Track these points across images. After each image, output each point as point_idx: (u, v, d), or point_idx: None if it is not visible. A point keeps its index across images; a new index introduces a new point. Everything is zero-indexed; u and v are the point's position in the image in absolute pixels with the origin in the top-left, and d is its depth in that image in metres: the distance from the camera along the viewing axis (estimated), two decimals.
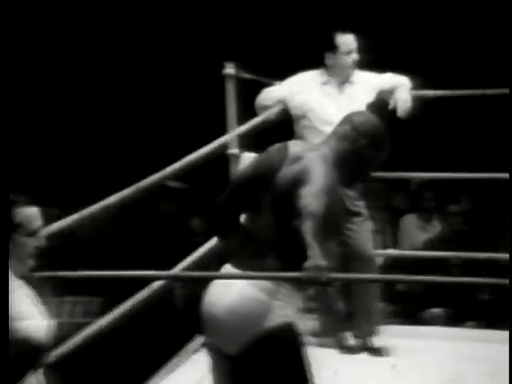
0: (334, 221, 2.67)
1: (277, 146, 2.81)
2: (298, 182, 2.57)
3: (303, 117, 4.25)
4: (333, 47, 4.19)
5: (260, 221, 2.69)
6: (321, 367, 3.79)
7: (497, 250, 5.73)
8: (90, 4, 7.37)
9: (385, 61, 4.38)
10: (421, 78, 4.39)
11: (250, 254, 2.67)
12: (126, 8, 7.27)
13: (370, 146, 2.72)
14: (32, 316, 2.42)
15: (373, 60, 4.30)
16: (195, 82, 6.69)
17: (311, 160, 2.64)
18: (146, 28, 7.21)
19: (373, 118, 2.80)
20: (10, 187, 2.46)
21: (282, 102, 4.30)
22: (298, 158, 2.68)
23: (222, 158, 4.27)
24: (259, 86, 4.38)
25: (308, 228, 2.42)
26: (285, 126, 4.32)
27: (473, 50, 7.12)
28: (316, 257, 2.37)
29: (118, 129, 7.31)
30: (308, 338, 4.15)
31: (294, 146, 2.77)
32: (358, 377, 3.91)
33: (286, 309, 2.61)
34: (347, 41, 4.19)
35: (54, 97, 7.46)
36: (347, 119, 2.79)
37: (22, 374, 2.47)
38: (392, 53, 6.56)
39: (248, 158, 4.31)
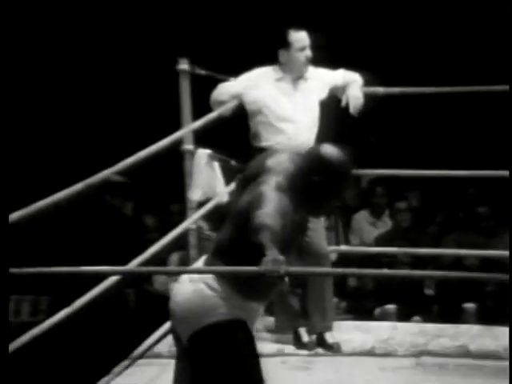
0: (292, 242, 2.67)
1: (265, 154, 2.87)
2: (253, 205, 2.59)
3: (258, 112, 4.19)
4: (286, 44, 4.13)
5: (225, 226, 2.77)
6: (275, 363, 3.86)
7: (441, 246, 5.80)
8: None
9: (338, 57, 4.35)
10: (373, 75, 4.36)
11: (210, 254, 2.78)
12: (81, 3, 7.16)
13: (326, 184, 2.66)
14: None
15: (326, 56, 4.26)
16: (149, 77, 6.60)
17: (267, 188, 2.63)
18: (100, 23, 7.10)
19: (341, 156, 2.71)
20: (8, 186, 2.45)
21: (237, 97, 4.23)
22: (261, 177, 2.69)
23: (176, 154, 4.19)
24: (213, 82, 4.30)
25: (265, 236, 2.47)
26: (239, 121, 4.25)
27: (423, 43, 7.15)
28: (274, 252, 2.42)
29: (72, 124, 7.19)
30: (264, 335, 4.18)
31: (271, 159, 2.77)
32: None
33: (230, 307, 2.67)
34: (300, 37, 4.14)
35: None
36: (316, 153, 2.73)
37: None
38: (345, 49, 6.55)
39: (202, 154, 4.26)
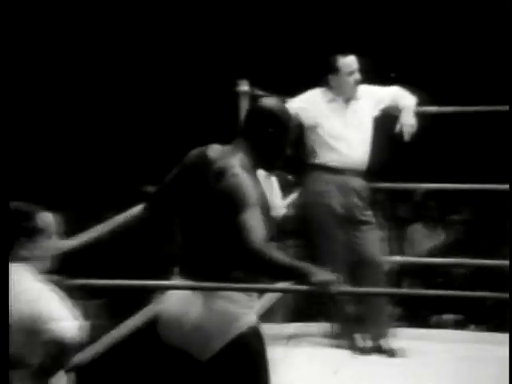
0: (267, 214, 2.67)
1: (195, 150, 2.77)
2: (228, 201, 2.57)
3: (312, 131, 4.27)
4: (334, 69, 4.21)
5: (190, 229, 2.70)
6: (331, 367, 3.87)
7: (497, 258, 5.73)
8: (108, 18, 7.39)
9: (388, 80, 4.38)
10: (423, 94, 4.38)
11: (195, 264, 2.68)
12: (142, 23, 7.29)
13: (278, 133, 2.70)
14: (63, 317, 2.41)
15: (376, 79, 4.30)
16: (209, 98, 6.70)
17: (237, 176, 2.60)
18: (162, 44, 7.22)
19: (276, 105, 2.74)
20: (8, 191, 2.50)
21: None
22: (220, 169, 2.64)
23: None
24: None
25: (279, 255, 2.47)
26: (295, 139, 4.31)
27: (472, 66, 7.13)
28: (320, 272, 2.44)
29: (128, 141, 7.31)
30: (320, 340, 4.21)
31: (211, 151, 2.72)
32: (367, 377, 3.91)
33: (249, 315, 2.65)
34: (348, 62, 4.22)
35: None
36: (251, 115, 2.75)
37: (53, 374, 2.46)
38: (395, 71, 6.57)
39: (260, 170, 4.33)
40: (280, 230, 4.76)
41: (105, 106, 7.38)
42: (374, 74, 4.29)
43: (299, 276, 2.48)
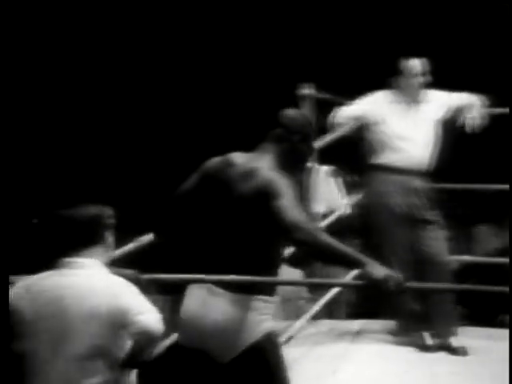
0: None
1: (216, 158, 2.85)
2: (264, 195, 2.63)
3: (376, 132, 4.30)
4: (399, 71, 4.25)
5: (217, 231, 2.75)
6: (397, 365, 3.87)
7: None
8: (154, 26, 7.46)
9: (453, 82, 4.39)
10: (490, 97, 4.38)
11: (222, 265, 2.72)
12: (207, 29, 7.36)
13: (303, 140, 2.81)
14: (149, 310, 2.52)
15: (440, 81, 4.32)
16: (272, 101, 6.75)
17: (269, 174, 2.69)
18: (227, 48, 7.29)
19: (299, 114, 2.89)
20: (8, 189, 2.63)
21: (356, 119, 4.35)
22: (249, 171, 2.72)
23: None
24: (333, 105, 4.43)
25: (330, 240, 2.52)
26: (358, 140, 4.36)
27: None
28: (383, 268, 2.49)
29: (191, 146, 7.37)
30: (386, 337, 4.22)
31: (236, 157, 2.82)
32: (430, 375, 3.90)
33: (266, 321, 2.71)
34: (412, 65, 4.25)
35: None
36: (276, 123, 2.85)
37: (137, 366, 2.56)
38: (461, 74, 6.52)
39: (325, 170, 4.40)
40: (344, 229, 4.81)
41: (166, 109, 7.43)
42: (440, 77, 4.31)
43: (355, 264, 2.55)
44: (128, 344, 2.52)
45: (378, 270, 2.48)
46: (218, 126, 7.12)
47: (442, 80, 4.31)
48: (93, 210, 2.61)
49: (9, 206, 2.68)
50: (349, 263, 2.58)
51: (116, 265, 2.73)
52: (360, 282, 2.52)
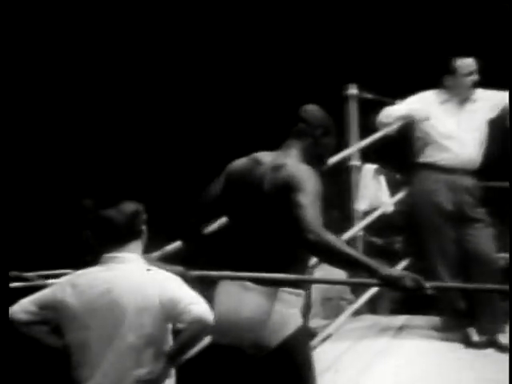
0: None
1: (241, 159, 2.90)
2: (286, 187, 2.69)
3: (423, 132, 4.31)
4: (452, 70, 4.26)
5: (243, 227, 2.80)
6: (439, 361, 3.87)
7: None
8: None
9: (500, 80, 4.37)
10: None
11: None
12: (251, 31, 7.37)
13: (325, 134, 2.87)
14: (201, 301, 2.60)
15: (492, 80, 4.31)
16: (319, 102, 6.77)
17: (294, 166, 2.74)
18: (275, 51, 7.30)
19: (317, 109, 2.93)
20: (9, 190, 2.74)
21: (403, 119, 4.37)
22: (277, 166, 2.77)
23: (345, 169, 4.42)
24: (377, 105, 4.47)
25: (342, 245, 2.60)
26: (403, 139, 4.38)
27: None
28: (397, 270, 2.65)
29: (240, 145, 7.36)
30: (431, 333, 4.22)
31: (262, 156, 2.86)
32: (469, 369, 3.90)
33: (298, 315, 2.76)
34: (466, 64, 4.26)
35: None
36: (299, 120, 2.90)
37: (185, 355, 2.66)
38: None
39: (369, 169, 4.45)
40: (388, 226, 4.83)
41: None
42: (490, 77, 4.31)
43: (366, 268, 2.61)
44: (170, 337, 2.61)
45: (392, 271, 2.59)
46: (261, 127, 7.16)
47: (489, 79, 4.31)
48: (131, 206, 2.70)
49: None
50: (361, 268, 2.63)
51: (162, 261, 2.83)
52: (376, 281, 2.60)
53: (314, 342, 3.99)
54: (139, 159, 7.32)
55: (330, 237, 2.60)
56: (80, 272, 2.69)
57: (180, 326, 2.58)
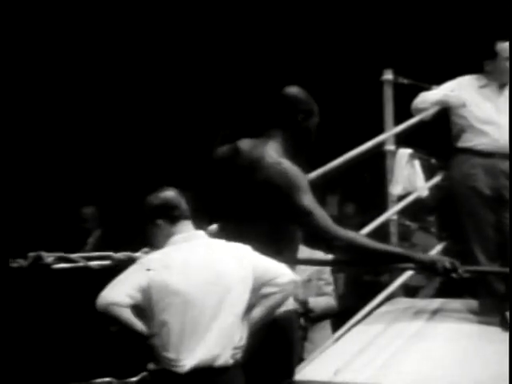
0: None
1: (225, 147, 2.84)
2: (276, 187, 2.65)
3: (461, 116, 4.25)
4: (492, 54, 4.19)
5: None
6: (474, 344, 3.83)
7: None
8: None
9: None
10: None
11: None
12: (292, 18, 7.32)
13: (307, 117, 2.78)
14: (284, 270, 2.66)
15: None
16: (357, 87, 6.70)
17: (278, 163, 2.67)
18: (318, 39, 7.25)
19: (298, 91, 2.80)
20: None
21: (439, 104, 4.32)
22: (256, 159, 2.71)
23: (380, 154, 4.38)
24: (414, 91, 4.42)
25: (369, 242, 2.63)
26: (439, 124, 4.33)
27: None
28: (429, 255, 2.70)
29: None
30: (468, 316, 4.17)
31: (242, 144, 2.79)
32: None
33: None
34: (507, 48, 4.18)
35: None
36: (278, 105, 2.80)
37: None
38: None
39: (404, 153, 4.41)
40: (421, 210, 4.80)
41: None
42: None
43: (398, 258, 2.63)
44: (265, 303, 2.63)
45: (425, 256, 2.65)
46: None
47: None
48: (175, 191, 2.72)
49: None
50: (392, 258, 2.64)
51: None
52: (410, 265, 2.64)
53: (348, 323, 4.01)
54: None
55: (353, 236, 2.60)
56: (163, 252, 2.66)
57: (266, 291, 2.61)
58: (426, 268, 2.58)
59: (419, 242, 5.28)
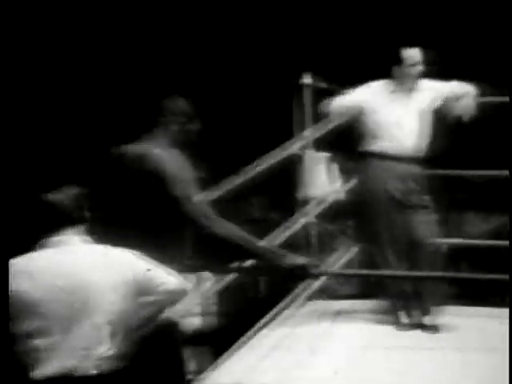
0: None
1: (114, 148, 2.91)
2: (158, 178, 2.70)
3: (371, 121, 4.28)
4: (399, 61, 4.22)
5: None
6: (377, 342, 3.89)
7: None
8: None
9: (451, 71, 4.35)
10: (487, 86, 4.35)
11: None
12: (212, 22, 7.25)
13: (188, 121, 2.90)
14: (167, 275, 2.55)
15: (440, 70, 4.29)
16: (274, 91, 6.68)
17: (159, 155, 2.74)
18: (230, 42, 7.21)
19: (179, 99, 2.95)
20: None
21: (353, 108, 4.32)
22: (140, 155, 2.78)
23: (296, 157, 4.37)
24: (331, 94, 4.42)
25: (242, 233, 2.65)
26: (354, 128, 4.34)
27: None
28: (291, 255, 2.68)
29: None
30: (367, 316, 4.23)
31: (128, 147, 2.86)
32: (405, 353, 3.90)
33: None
34: (411, 55, 4.23)
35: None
36: (162, 109, 2.92)
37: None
38: (458, 63, 6.45)
39: (321, 157, 4.41)
40: (339, 212, 4.82)
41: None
42: (439, 67, 4.28)
43: (267, 257, 2.65)
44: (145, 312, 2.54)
45: (291, 258, 2.65)
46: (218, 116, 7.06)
47: (441, 70, 4.29)
48: (74, 190, 2.61)
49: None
50: (257, 254, 2.68)
51: None
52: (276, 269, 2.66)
53: (257, 325, 4.00)
54: None
55: (233, 227, 2.64)
56: (26, 257, 2.52)
57: (149, 299, 2.51)
58: (295, 273, 2.63)
59: (339, 246, 5.34)
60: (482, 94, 4.35)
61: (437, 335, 4.08)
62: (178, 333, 2.80)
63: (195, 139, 2.93)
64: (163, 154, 2.74)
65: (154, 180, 2.70)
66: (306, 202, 4.42)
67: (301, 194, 4.40)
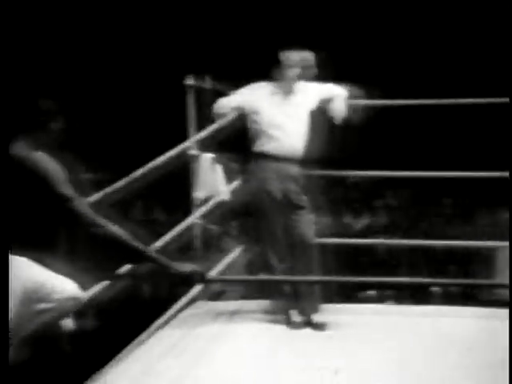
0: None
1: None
2: (36, 180, 2.73)
3: (254, 121, 4.32)
4: (278, 63, 4.29)
5: None
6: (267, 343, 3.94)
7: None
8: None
9: (341, 73, 4.43)
10: (374, 89, 4.47)
11: None
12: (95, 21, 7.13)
13: (49, 120, 2.92)
14: (66, 281, 2.53)
15: (328, 72, 4.37)
16: (157, 93, 6.64)
17: (33, 158, 2.78)
18: (112, 42, 7.11)
19: (40, 99, 2.97)
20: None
21: (236, 109, 4.36)
22: (18, 159, 2.80)
23: (184, 158, 4.33)
24: (217, 95, 4.42)
25: (123, 234, 2.69)
26: (239, 130, 4.38)
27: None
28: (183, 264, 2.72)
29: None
30: (259, 316, 4.29)
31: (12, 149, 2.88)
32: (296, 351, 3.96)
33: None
34: (289, 57, 4.30)
35: None
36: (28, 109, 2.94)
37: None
38: (348, 65, 6.58)
39: (206, 158, 4.41)
40: (225, 214, 4.84)
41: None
42: (328, 69, 4.37)
43: (151, 259, 2.69)
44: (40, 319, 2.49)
45: (179, 265, 2.70)
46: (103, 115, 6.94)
47: (332, 72, 4.38)
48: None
49: None
50: (148, 261, 2.70)
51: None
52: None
53: (152, 327, 3.95)
54: None
55: (114, 228, 2.65)
56: None
57: (41, 306, 2.47)
58: (183, 280, 2.67)
59: (224, 247, 5.36)
60: (369, 96, 4.49)
61: (325, 333, 4.16)
62: (64, 335, 2.71)
63: (61, 138, 2.91)
64: (42, 156, 2.73)
65: (36, 182, 2.68)
66: (201, 203, 4.41)
67: (195, 195, 4.39)
